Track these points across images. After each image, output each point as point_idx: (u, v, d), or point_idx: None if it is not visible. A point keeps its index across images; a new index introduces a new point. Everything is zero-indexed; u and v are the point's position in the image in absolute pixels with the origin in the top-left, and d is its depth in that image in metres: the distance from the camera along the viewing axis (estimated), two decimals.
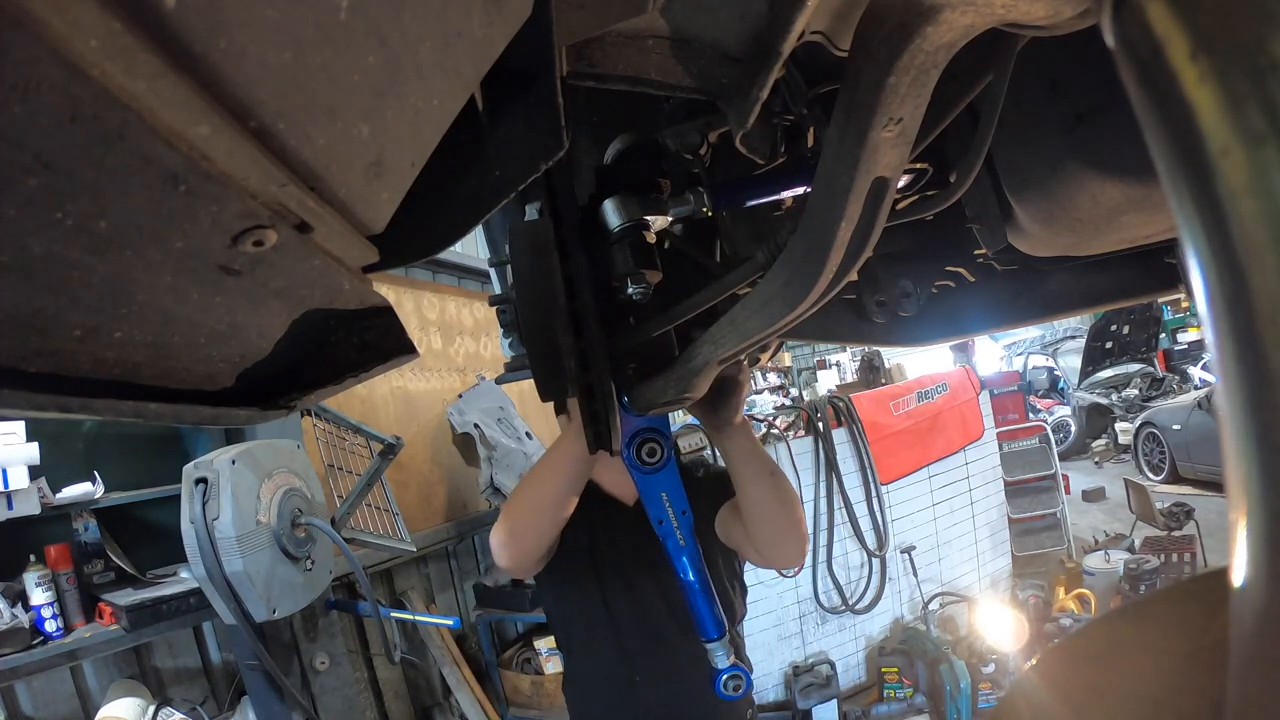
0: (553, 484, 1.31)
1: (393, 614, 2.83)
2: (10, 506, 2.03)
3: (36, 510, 2.10)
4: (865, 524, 4.00)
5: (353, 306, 0.41)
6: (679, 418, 5.50)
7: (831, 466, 3.92)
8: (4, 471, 2.01)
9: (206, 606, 2.13)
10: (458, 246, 3.46)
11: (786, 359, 12.01)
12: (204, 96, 0.22)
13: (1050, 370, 10.58)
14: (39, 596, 2.13)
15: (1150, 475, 7.15)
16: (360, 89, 0.28)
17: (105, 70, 0.19)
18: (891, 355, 6.14)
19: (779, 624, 3.89)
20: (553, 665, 3.55)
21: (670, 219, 0.82)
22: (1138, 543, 4.65)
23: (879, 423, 4.08)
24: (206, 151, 0.24)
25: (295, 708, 2.27)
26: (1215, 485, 6.03)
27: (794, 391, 10.99)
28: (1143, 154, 0.27)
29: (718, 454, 3.89)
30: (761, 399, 8.84)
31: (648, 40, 0.61)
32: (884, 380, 5.38)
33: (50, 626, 2.14)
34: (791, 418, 4.21)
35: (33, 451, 2.06)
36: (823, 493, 3.92)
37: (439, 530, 3.80)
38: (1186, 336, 10.13)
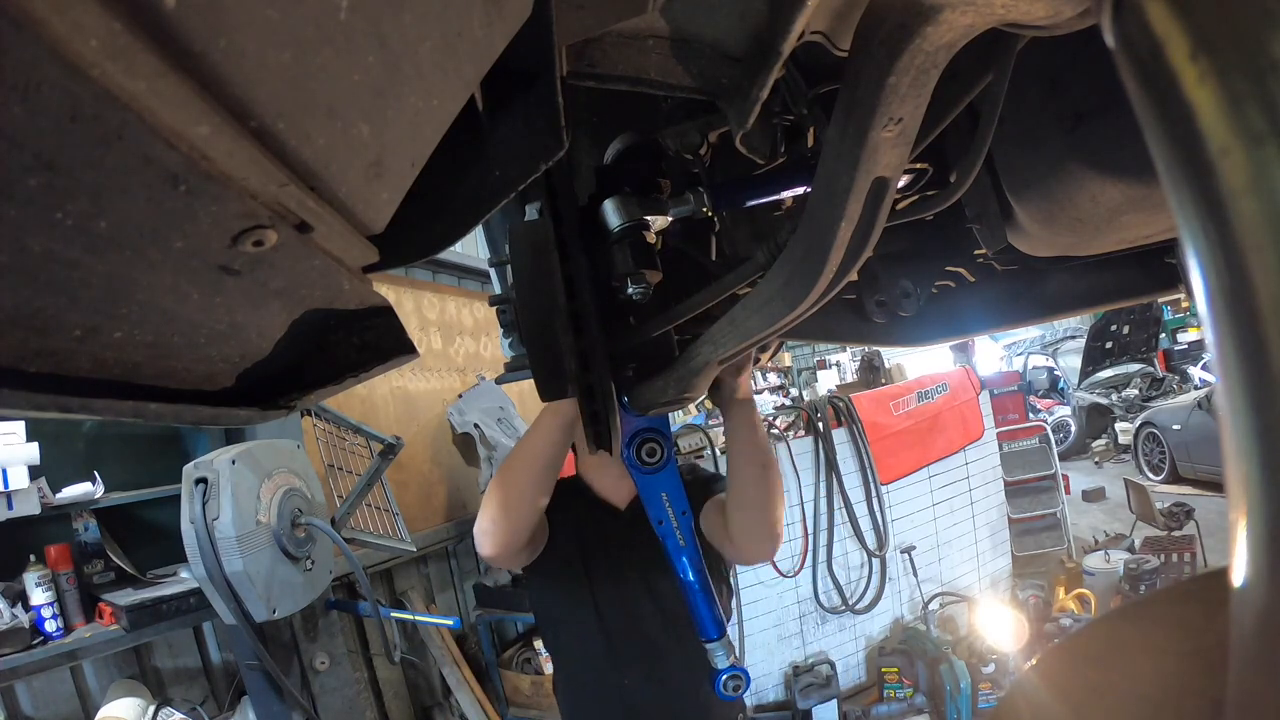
0: (528, 467, 1.29)
1: (393, 614, 2.83)
2: (10, 506, 2.03)
3: (36, 510, 2.10)
4: (865, 524, 4.00)
5: (353, 306, 0.41)
6: (679, 417, 5.50)
7: (831, 466, 3.92)
8: (4, 471, 2.01)
9: (206, 606, 2.13)
10: (458, 246, 3.47)
11: (786, 359, 12.01)
12: (204, 96, 0.22)
13: (1050, 370, 10.58)
14: (39, 596, 2.13)
15: (1150, 475, 7.15)
16: (360, 89, 0.28)
17: (105, 70, 0.19)
18: (891, 355, 6.14)
19: (779, 624, 3.89)
20: (552, 665, 3.55)
21: (670, 219, 0.82)
22: (1138, 543, 4.65)
23: (879, 423, 4.08)
24: (206, 151, 0.24)
25: (295, 708, 2.27)
26: (1215, 485, 6.03)
27: (794, 391, 11.00)
28: (1143, 154, 0.27)
29: (718, 457, 3.89)
30: (762, 399, 8.85)
31: (648, 40, 0.61)
32: (884, 380, 5.39)
33: (50, 626, 2.14)
34: (791, 418, 4.21)
35: (33, 451, 2.06)
36: (823, 493, 3.92)
37: (439, 530, 3.80)
38: (1186, 336, 10.13)
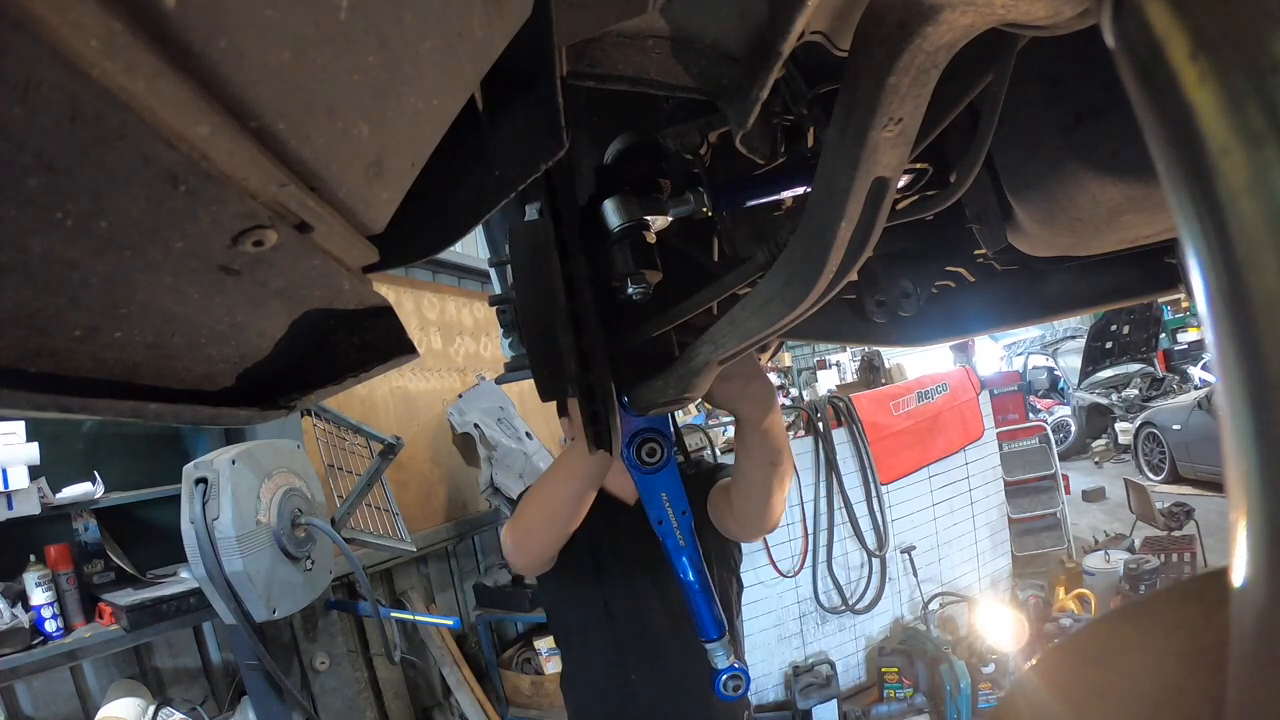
0: (564, 490, 1.32)
1: (393, 614, 2.83)
2: (10, 506, 2.03)
3: (36, 510, 2.10)
4: (865, 524, 4.00)
5: (353, 306, 0.41)
6: (679, 417, 5.50)
7: (831, 466, 3.92)
8: (4, 471, 2.01)
9: (206, 606, 2.13)
10: (458, 246, 3.47)
11: (786, 359, 12.01)
12: (204, 96, 0.22)
13: (1050, 370, 10.58)
14: (39, 596, 2.13)
15: (1150, 475, 7.15)
16: (360, 89, 0.28)
17: (105, 70, 0.19)
18: (891, 355, 6.14)
19: (779, 624, 3.89)
20: (553, 665, 3.55)
21: (670, 219, 0.82)
22: (1138, 543, 4.65)
23: (879, 423, 4.08)
24: (206, 151, 0.24)
25: (295, 708, 2.27)
26: (1215, 485, 6.03)
27: (794, 391, 11.00)
28: (1143, 154, 0.27)
29: (718, 457, 3.89)
30: None
31: (648, 40, 0.61)
32: (884, 380, 5.38)
33: (50, 626, 2.14)
34: (791, 418, 4.21)
35: (33, 451, 2.06)
36: (823, 493, 3.92)
37: (439, 530, 3.80)
38: (1186, 336, 10.13)
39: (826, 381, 9.96)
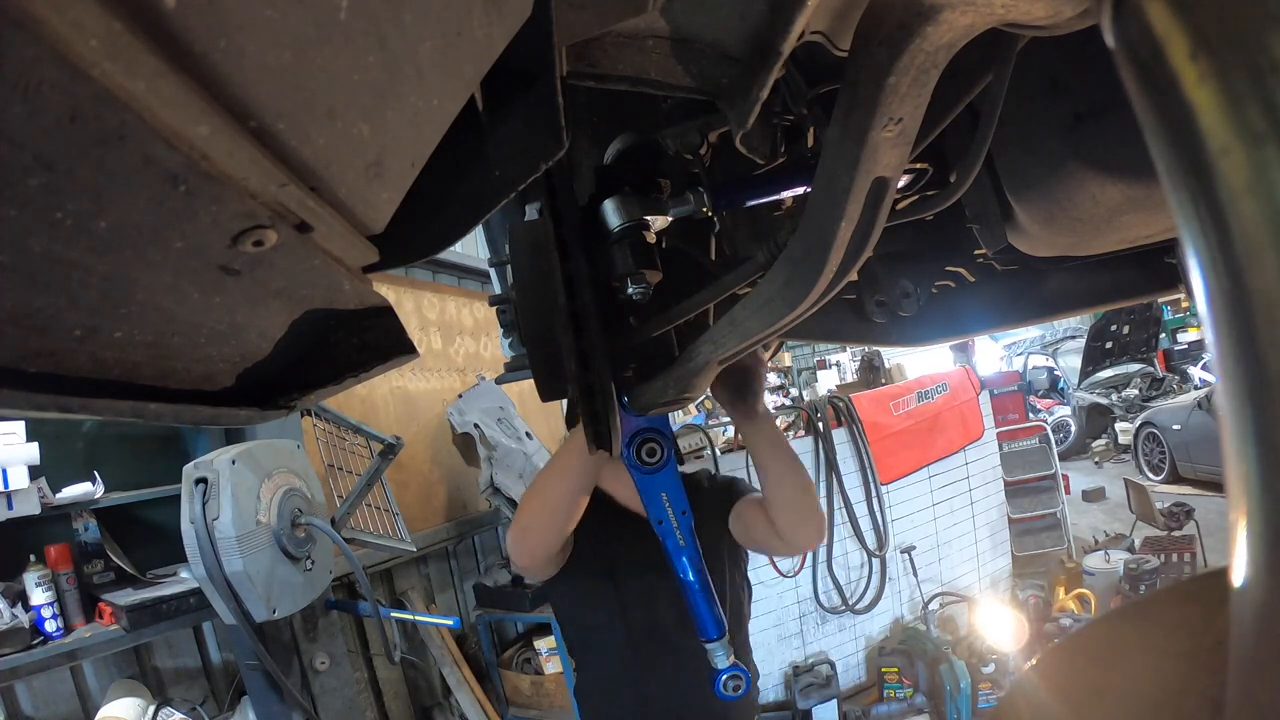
0: (560, 483, 1.34)
1: (393, 614, 2.83)
2: (10, 506, 2.03)
3: (36, 510, 2.10)
4: (865, 524, 4.00)
5: (353, 306, 0.41)
6: (679, 417, 5.50)
7: (831, 466, 3.92)
8: (4, 471, 2.01)
9: (206, 606, 2.12)
10: (458, 246, 3.47)
11: (786, 359, 12.02)
12: (204, 96, 0.22)
13: (1050, 370, 10.57)
14: (39, 596, 2.13)
15: (1150, 475, 7.15)
16: (360, 89, 0.28)
17: (105, 70, 0.19)
18: (891, 355, 6.14)
19: (779, 624, 3.89)
20: (553, 665, 3.55)
21: (670, 219, 0.82)
22: (1138, 543, 4.65)
23: (879, 423, 4.08)
24: (206, 151, 0.24)
25: (295, 708, 2.27)
26: (1215, 485, 6.03)
27: (794, 391, 11.00)
28: (1143, 154, 0.27)
29: (718, 457, 3.89)
30: None
31: (648, 40, 0.60)
32: (884, 380, 5.38)
33: (50, 626, 2.14)
34: (791, 418, 4.21)
35: (33, 451, 2.06)
36: (823, 493, 3.92)
37: (439, 530, 3.80)
38: (1186, 336, 10.13)
39: (826, 381, 9.96)
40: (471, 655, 3.78)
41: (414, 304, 4.16)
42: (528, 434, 4.10)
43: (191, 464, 2.01)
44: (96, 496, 2.28)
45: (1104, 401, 8.94)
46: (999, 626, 3.61)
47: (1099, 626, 0.69)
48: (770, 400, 9.16)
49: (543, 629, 3.66)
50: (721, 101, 0.64)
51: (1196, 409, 6.51)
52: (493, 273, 1.49)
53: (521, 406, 4.33)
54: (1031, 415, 5.85)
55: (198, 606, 2.23)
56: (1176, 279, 1.08)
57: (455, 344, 4.48)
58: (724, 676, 1.32)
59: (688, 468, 1.51)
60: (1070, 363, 9.99)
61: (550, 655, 3.54)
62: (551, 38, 0.42)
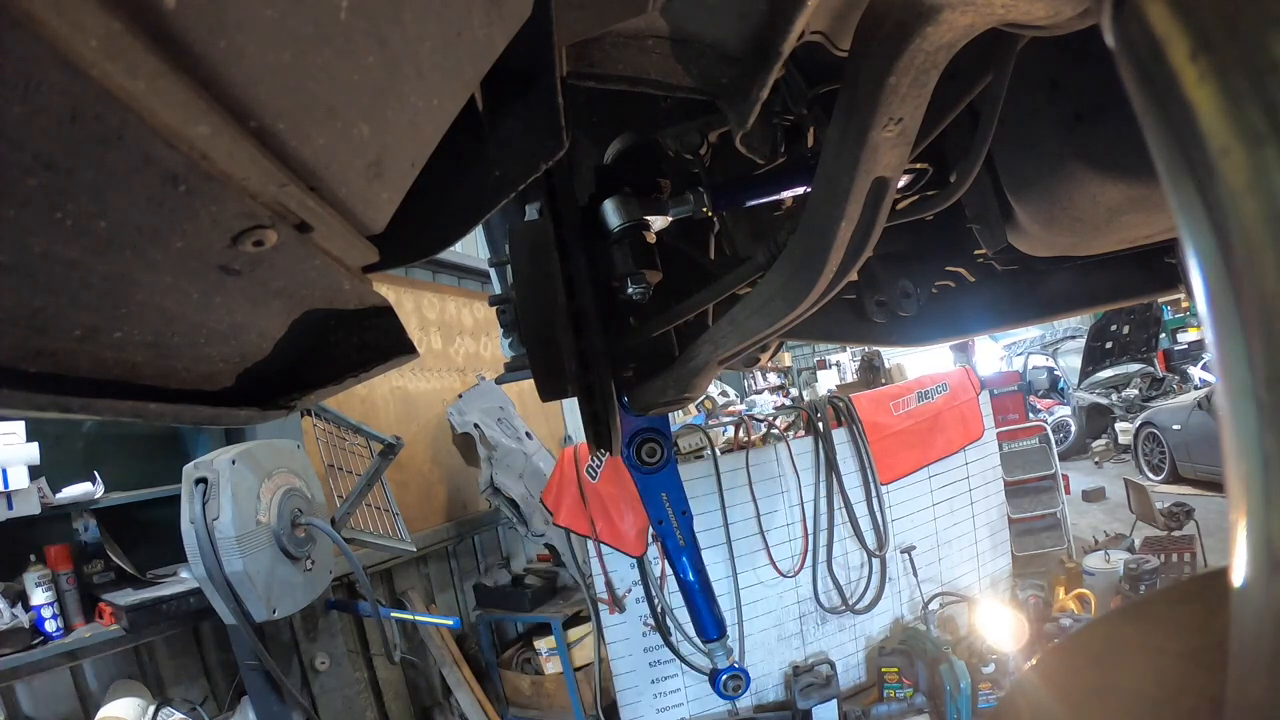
0: None
1: (393, 614, 2.83)
2: (10, 506, 2.03)
3: (36, 510, 2.10)
4: (865, 524, 4.00)
5: (353, 306, 0.41)
6: (679, 417, 5.50)
7: (831, 466, 3.92)
8: (4, 471, 2.01)
9: (206, 606, 2.12)
10: (458, 246, 3.46)
11: (786, 359, 12.01)
12: (204, 96, 0.22)
13: (1050, 370, 10.57)
14: (39, 596, 2.13)
15: (1150, 475, 7.15)
16: (360, 89, 0.28)
17: (105, 70, 0.19)
18: (891, 355, 6.14)
19: (779, 624, 3.89)
20: (552, 665, 3.55)
21: (670, 219, 0.82)
22: (1138, 543, 4.65)
23: (879, 423, 4.08)
24: (206, 151, 0.24)
25: (295, 708, 2.27)
26: (1215, 485, 6.03)
27: (794, 391, 11.00)
28: (1142, 154, 0.27)
29: (718, 457, 3.89)
30: (761, 399, 8.86)
31: (648, 40, 0.61)
32: (884, 380, 5.38)
33: (50, 626, 2.14)
34: (791, 418, 4.21)
35: (33, 451, 2.06)
36: (823, 493, 3.92)
37: (439, 530, 3.80)
38: (1186, 336, 10.13)
39: (826, 381, 9.97)
40: (471, 655, 3.78)
41: (414, 304, 4.16)
42: (528, 434, 4.10)
43: (191, 464, 2.01)
44: (96, 496, 2.28)
45: (1104, 401, 8.94)
46: (999, 626, 3.61)
47: (1099, 626, 0.69)
48: (770, 400, 9.16)
49: (543, 629, 3.66)
50: (721, 101, 0.64)
51: (1196, 409, 6.51)
52: (493, 273, 1.49)
53: (521, 406, 4.33)
54: (1031, 415, 5.85)
55: (198, 606, 2.23)
56: (1176, 279, 1.08)
57: (455, 344, 4.48)
58: (724, 676, 1.32)
59: None
60: (1070, 363, 9.99)
61: (550, 655, 3.54)
62: (551, 38, 0.42)
